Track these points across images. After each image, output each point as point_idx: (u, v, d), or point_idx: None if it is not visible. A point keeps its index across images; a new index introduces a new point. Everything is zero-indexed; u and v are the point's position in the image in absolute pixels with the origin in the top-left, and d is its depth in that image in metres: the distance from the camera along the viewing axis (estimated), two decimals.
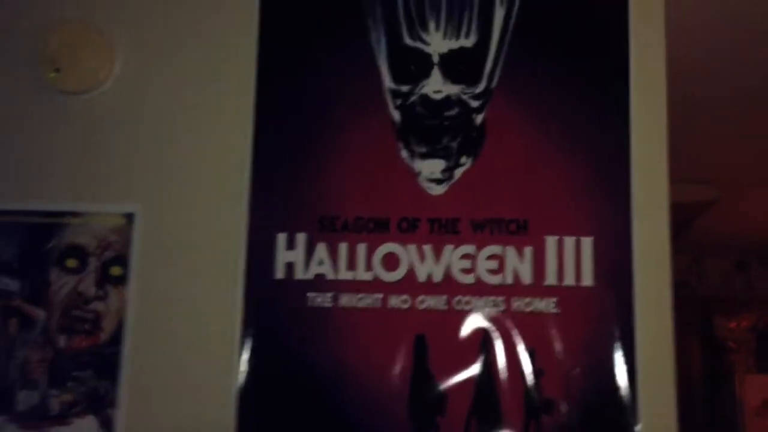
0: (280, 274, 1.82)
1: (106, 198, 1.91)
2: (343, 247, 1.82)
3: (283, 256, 1.83)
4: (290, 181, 1.86)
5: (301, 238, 1.83)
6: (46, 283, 1.89)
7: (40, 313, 1.88)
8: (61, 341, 1.87)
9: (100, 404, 1.82)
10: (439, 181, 1.82)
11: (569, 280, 1.74)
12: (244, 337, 1.80)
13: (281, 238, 1.84)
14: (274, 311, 1.81)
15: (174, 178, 1.91)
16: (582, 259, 1.75)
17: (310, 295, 1.81)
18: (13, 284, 1.90)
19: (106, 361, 1.84)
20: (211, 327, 1.83)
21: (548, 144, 1.80)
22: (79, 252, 1.91)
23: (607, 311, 1.72)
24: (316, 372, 1.77)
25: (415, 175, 1.83)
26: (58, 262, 1.90)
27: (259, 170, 1.87)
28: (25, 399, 1.84)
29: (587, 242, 1.76)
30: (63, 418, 1.83)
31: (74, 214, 1.92)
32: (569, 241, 1.76)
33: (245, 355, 1.79)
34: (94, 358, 1.85)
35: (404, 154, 1.84)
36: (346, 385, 1.76)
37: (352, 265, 1.81)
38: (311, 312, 1.80)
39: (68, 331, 1.87)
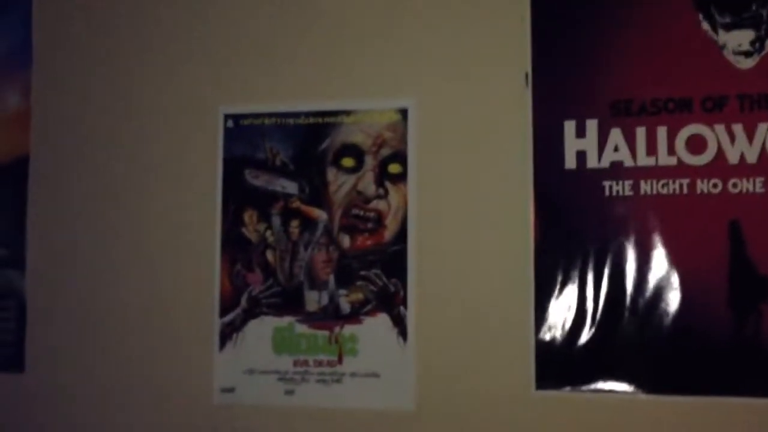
0: (570, 163, 1.67)
1: (378, 94, 1.79)
2: (640, 132, 1.63)
3: (573, 145, 1.67)
4: (576, 65, 1.67)
5: (592, 124, 1.66)
6: (324, 183, 1.80)
7: (320, 214, 1.81)
8: (345, 241, 1.79)
9: (392, 302, 1.75)
10: (747, 54, 1.60)
11: None
12: (536, 229, 1.67)
13: (569, 125, 1.67)
14: (566, 202, 1.66)
15: (448, 70, 1.75)
16: None
17: (606, 183, 1.65)
18: (290, 186, 1.82)
19: (392, 260, 1.75)
20: (500, 221, 1.70)
21: None
22: (355, 150, 1.80)
23: None
24: (615, 263, 1.63)
25: (719, 48, 1.61)
26: (334, 161, 1.80)
27: (542, 55, 1.69)
28: (313, 299, 1.79)
29: None
30: (354, 317, 1.77)
31: (347, 113, 1.80)
32: None
33: (539, 249, 1.66)
34: (379, 256, 1.76)
35: (705, 26, 1.62)
36: (650, 278, 1.61)
37: (652, 150, 1.62)
38: (608, 201, 1.65)
39: (351, 230, 1.78)
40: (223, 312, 1.81)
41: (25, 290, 1.90)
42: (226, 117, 1.85)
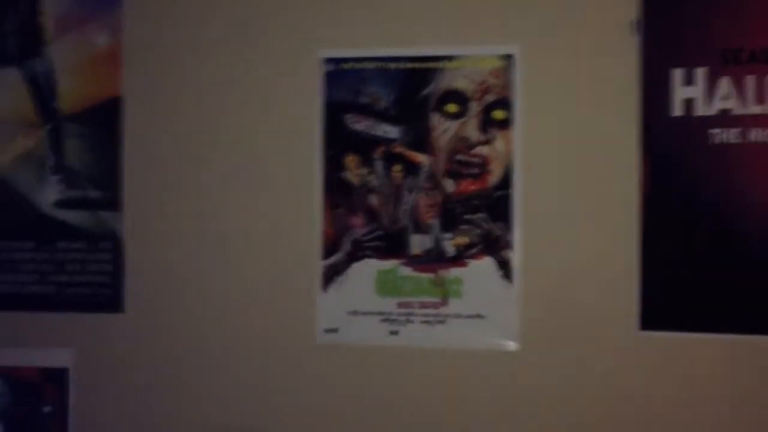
0: (678, 111, 1.70)
1: (483, 40, 1.79)
2: (750, 80, 1.66)
3: (680, 92, 1.70)
4: (685, 12, 1.68)
5: (700, 72, 1.68)
6: (427, 128, 1.81)
7: (424, 159, 1.83)
8: (449, 186, 1.81)
9: (496, 246, 1.78)
10: None
11: None
12: (643, 174, 1.70)
13: (677, 73, 1.69)
14: (672, 149, 1.69)
15: (554, 16, 1.75)
16: None
17: (713, 131, 1.68)
18: (393, 131, 1.83)
19: (497, 204, 1.78)
20: (606, 167, 1.73)
21: None
22: (459, 96, 1.80)
23: None
24: (721, 209, 1.68)
25: None
26: (438, 107, 1.81)
27: (651, 1, 1.70)
28: (418, 243, 1.81)
29: None
30: (459, 260, 1.80)
31: (450, 58, 1.80)
32: None
33: (645, 194, 1.70)
34: (484, 201, 1.79)
35: None
36: (756, 223, 1.67)
37: (761, 99, 1.65)
38: (715, 149, 1.68)
39: (455, 175, 1.81)
40: (326, 254, 1.84)
41: (122, 232, 1.92)
42: (327, 60, 1.84)
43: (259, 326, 1.86)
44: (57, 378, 1.94)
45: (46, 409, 1.94)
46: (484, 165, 1.79)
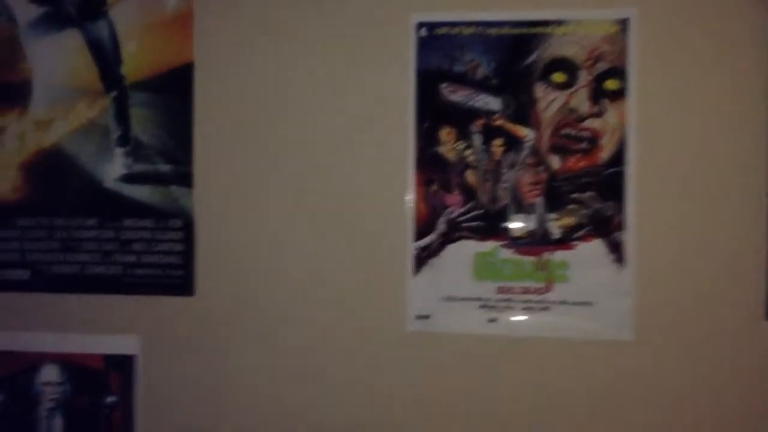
0: None
1: (596, 3, 1.64)
2: None
3: None
4: None
5: None
6: (532, 99, 1.67)
7: (527, 133, 1.68)
8: (554, 162, 1.67)
9: (607, 227, 1.64)
10: None
11: None
12: None
13: None
14: None
15: None
16: None
17: None
18: (493, 102, 1.68)
19: (608, 182, 1.64)
20: (730, 141, 1.58)
21: None
22: (567, 65, 1.65)
23: None
24: None
25: None
26: (543, 76, 1.66)
27: None
28: (520, 223, 1.68)
29: None
30: (565, 242, 1.66)
31: (559, 23, 1.65)
32: None
33: None
34: (594, 178, 1.64)
35: None
36: None
37: None
38: None
39: (561, 151, 1.66)
40: (419, 235, 1.69)
41: (194, 209, 1.77)
42: (420, 25, 1.69)
43: (344, 312, 1.72)
44: (122, 366, 1.80)
45: (111, 399, 1.81)
46: (594, 139, 1.64)
